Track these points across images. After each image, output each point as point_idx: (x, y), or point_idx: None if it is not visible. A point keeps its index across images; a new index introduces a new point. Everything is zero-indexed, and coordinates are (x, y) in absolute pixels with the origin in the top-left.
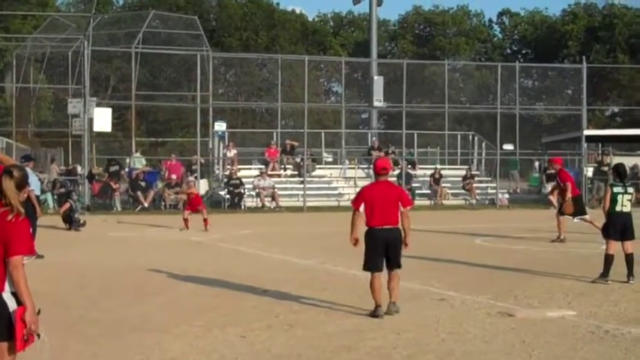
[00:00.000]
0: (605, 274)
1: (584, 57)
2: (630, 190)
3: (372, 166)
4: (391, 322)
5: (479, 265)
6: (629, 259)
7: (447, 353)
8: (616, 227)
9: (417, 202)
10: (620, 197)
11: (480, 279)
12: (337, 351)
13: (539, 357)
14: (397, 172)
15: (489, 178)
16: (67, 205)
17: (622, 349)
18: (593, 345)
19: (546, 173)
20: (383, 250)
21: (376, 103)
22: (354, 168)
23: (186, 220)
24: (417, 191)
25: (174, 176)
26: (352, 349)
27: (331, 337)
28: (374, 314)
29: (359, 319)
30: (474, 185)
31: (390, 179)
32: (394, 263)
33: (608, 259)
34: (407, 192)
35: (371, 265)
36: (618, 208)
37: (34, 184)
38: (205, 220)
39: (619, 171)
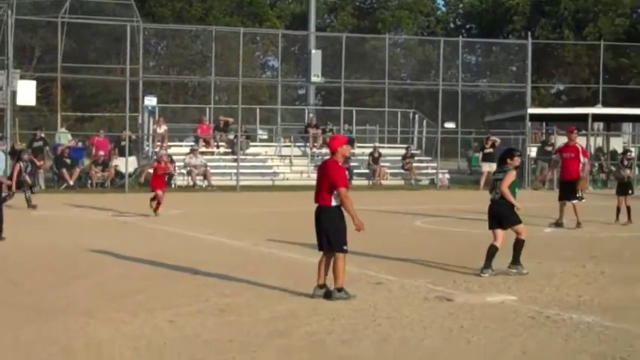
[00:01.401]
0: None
1: (529, 32)
2: (500, 176)
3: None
4: (326, 307)
5: (418, 248)
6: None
7: (384, 339)
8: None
9: (355, 182)
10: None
11: (419, 262)
12: (270, 336)
13: (477, 343)
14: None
15: (430, 158)
16: (17, 168)
17: (563, 335)
18: (534, 331)
19: (483, 152)
20: (318, 229)
21: (314, 79)
22: (289, 146)
23: (158, 203)
24: (355, 170)
25: (101, 153)
26: (285, 335)
27: (264, 322)
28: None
29: (293, 303)
30: (414, 165)
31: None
32: (328, 244)
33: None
34: (344, 173)
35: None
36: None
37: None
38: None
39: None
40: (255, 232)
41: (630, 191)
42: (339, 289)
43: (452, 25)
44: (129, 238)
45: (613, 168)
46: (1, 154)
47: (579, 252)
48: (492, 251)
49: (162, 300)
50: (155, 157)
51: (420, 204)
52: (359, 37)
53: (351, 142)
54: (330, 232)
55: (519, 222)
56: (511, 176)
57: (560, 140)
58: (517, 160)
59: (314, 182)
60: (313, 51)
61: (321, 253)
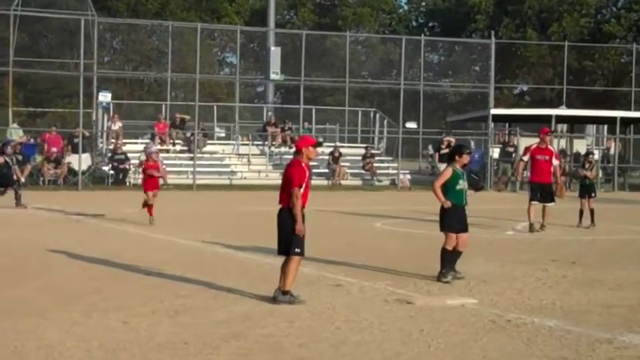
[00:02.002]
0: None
1: (492, 32)
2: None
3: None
4: (283, 309)
5: (378, 250)
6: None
7: (342, 342)
8: None
9: (314, 182)
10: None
11: (379, 264)
12: (226, 339)
13: (437, 347)
14: (293, 149)
15: (390, 158)
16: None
17: (524, 340)
18: (494, 335)
19: (440, 153)
20: (278, 231)
21: (273, 76)
22: (248, 144)
23: (150, 206)
24: (315, 170)
25: (54, 149)
26: (241, 337)
27: (219, 324)
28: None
29: (250, 305)
30: (375, 165)
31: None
32: (283, 247)
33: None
34: (303, 173)
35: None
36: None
37: None
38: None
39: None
40: (211, 231)
41: (593, 194)
42: (285, 292)
43: (414, 24)
44: (82, 237)
45: (578, 169)
46: None
47: (541, 255)
48: (448, 255)
49: (116, 301)
50: (144, 154)
51: (381, 205)
52: (319, 35)
53: (318, 144)
54: (287, 234)
55: (449, 230)
56: (445, 174)
57: (524, 142)
58: (465, 158)
59: (272, 182)
60: (272, 48)
61: (283, 257)
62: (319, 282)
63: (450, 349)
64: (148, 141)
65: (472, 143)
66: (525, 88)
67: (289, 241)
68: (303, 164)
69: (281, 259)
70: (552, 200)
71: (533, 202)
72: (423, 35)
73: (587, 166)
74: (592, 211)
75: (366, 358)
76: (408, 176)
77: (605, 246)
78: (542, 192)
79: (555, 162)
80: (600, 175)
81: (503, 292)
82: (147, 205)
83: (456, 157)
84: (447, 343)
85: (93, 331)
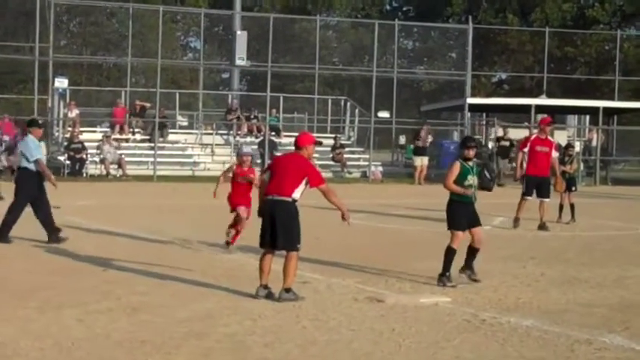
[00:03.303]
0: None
1: (470, 17)
2: None
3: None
4: (247, 306)
5: (348, 246)
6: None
7: (309, 342)
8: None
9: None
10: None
11: (349, 261)
12: (186, 337)
13: (409, 347)
14: (259, 139)
15: (362, 149)
16: None
17: (499, 340)
18: (468, 335)
19: (416, 145)
20: (271, 224)
21: (238, 62)
22: (211, 134)
23: (237, 231)
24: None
25: (6, 138)
26: (203, 336)
27: (180, 322)
28: (254, 294)
29: (212, 302)
30: (345, 156)
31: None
32: (282, 242)
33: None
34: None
35: (260, 240)
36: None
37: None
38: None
39: None
40: (172, 225)
41: (573, 188)
42: (288, 290)
43: (388, 7)
44: (37, 231)
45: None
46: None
47: (519, 252)
48: (452, 255)
49: (71, 297)
50: (236, 156)
51: (351, 198)
52: (288, 19)
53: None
54: (288, 228)
55: (455, 227)
56: (454, 169)
57: (502, 132)
58: (467, 152)
59: None
60: (238, 32)
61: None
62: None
63: (422, 350)
64: (106, 129)
65: (455, 134)
66: (504, 76)
67: (290, 236)
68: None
69: (249, 256)
70: (549, 196)
71: (526, 198)
72: (396, 20)
73: (566, 159)
74: (572, 206)
75: (334, 358)
76: (380, 168)
77: (585, 242)
78: (540, 187)
79: (555, 154)
80: (581, 168)
81: (478, 291)
82: (235, 226)
83: (463, 151)
84: (419, 343)
85: (47, 328)
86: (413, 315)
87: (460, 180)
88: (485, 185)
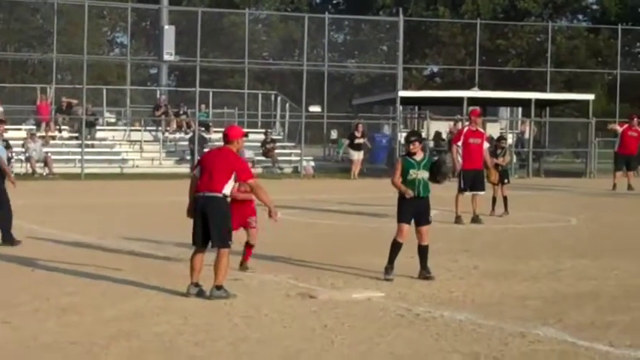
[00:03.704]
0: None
1: (400, 9)
2: None
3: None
4: (177, 305)
5: (279, 242)
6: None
7: (241, 339)
8: None
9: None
10: None
11: (281, 256)
12: (116, 338)
13: (342, 343)
14: (189, 135)
15: (293, 144)
16: None
17: (433, 334)
18: (402, 329)
19: (353, 142)
20: (202, 220)
21: (166, 57)
22: (140, 130)
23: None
24: None
25: None
26: (133, 336)
27: (109, 322)
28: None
29: (141, 301)
30: (276, 151)
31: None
32: (214, 239)
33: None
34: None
35: (192, 238)
36: None
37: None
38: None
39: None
40: (101, 224)
41: (506, 180)
42: (219, 287)
43: (317, 0)
44: None
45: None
46: None
47: (452, 245)
48: (396, 248)
49: None
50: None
51: (283, 194)
52: (216, 12)
53: (206, 126)
54: (220, 225)
55: (399, 220)
56: (397, 165)
57: (435, 126)
58: (412, 147)
59: (166, 170)
60: (166, 27)
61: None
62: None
63: (355, 346)
64: (32, 127)
65: (386, 127)
66: (436, 68)
67: (222, 233)
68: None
69: (181, 253)
70: (483, 189)
71: (464, 193)
72: (327, 13)
73: (499, 151)
74: (505, 199)
75: (266, 355)
76: (312, 163)
77: (518, 235)
78: (474, 180)
79: (486, 145)
80: (514, 160)
81: (411, 285)
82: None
83: (409, 146)
84: (352, 339)
85: None
86: (345, 311)
87: (404, 176)
88: (434, 178)
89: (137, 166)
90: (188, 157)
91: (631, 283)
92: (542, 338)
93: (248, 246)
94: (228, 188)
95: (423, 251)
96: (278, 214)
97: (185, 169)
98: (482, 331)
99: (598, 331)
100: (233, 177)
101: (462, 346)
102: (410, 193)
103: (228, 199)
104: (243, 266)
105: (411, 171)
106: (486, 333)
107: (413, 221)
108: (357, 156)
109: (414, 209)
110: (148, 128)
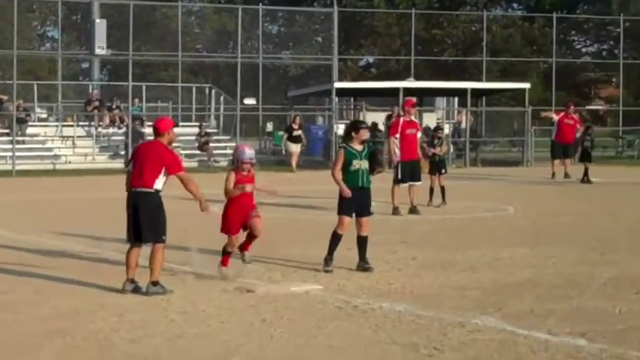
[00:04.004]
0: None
1: (335, 0)
2: None
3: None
4: (113, 302)
5: (215, 236)
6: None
7: (178, 335)
8: None
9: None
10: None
11: (217, 251)
12: (50, 336)
13: (281, 336)
14: (123, 129)
15: (228, 137)
16: None
17: (372, 326)
18: (341, 322)
19: (291, 135)
20: (134, 217)
21: (98, 51)
22: (72, 126)
23: (243, 251)
24: None
25: None
26: (67, 334)
27: (43, 320)
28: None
29: (76, 299)
30: (211, 145)
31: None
32: (147, 234)
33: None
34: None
35: (126, 234)
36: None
37: None
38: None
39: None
40: (33, 221)
41: (443, 170)
42: (155, 283)
43: None
44: None
45: (425, 145)
46: None
47: (390, 236)
48: (336, 240)
49: None
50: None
51: (218, 188)
52: (148, 5)
53: (140, 120)
54: (152, 220)
55: (341, 212)
56: (339, 156)
57: (371, 117)
58: (363, 134)
59: (100, 165)
60: (97, 20)
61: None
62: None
63: (294, 339)
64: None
65: (320, 120)
66: (371, 59)
67: (159, 227)
68: (169, 148)
69: (116, 249)
70: (420, 179)
71: (401, 185)
72: (260, 4)
73: (436, 141)
74: (443, 189)
75: (204, 351)
76: None
77: (456, 225)
78: (412, 171)
79: (419, 135)
80: (451, 150)
81: (350, 277)
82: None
83: (353, 134)
84: (291, 332)
85: None
86: (284, 304)
87: (347, 166)
88: (374, 167)
89: (70, 162)
90: (122, 152)
91: (569, 272)
92: (482, 328)
93: (251, 238)
94: (160, 183)
95: (362, 242)
96: (210, 208)
97: (119, 164)
98: (422, 321)
99: (537, 319)
100: (164, 171)
101: (401, 338)
102: (348, 194)
103: (161, 194)
104: (243, 258)
105: (354, 162)
106: (425, 324)
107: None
108: (296, 148)
109: (356, 201)
110: (80, 123)
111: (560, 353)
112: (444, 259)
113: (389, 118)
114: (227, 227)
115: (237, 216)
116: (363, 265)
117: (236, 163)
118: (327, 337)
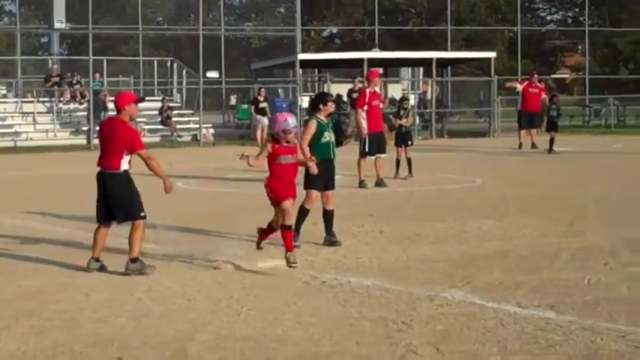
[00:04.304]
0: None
1: None
2: None
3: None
4: (78, 281)
5: (181, 212)
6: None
7: (144, 314)
8: None
9: None
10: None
11: (182, 228)
12: (16, 317)
13: (248, 314)
14: (84, 105)
15: (191, 111)
16: None
17: (340, 301)
18: (309, 297)
19: (257, 107)
20: (104, 197)
21: (57, 25)
22: (32, 102)
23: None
24: None
25: None
26: (33, 314)
27: (8, 301)
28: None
29: (41, 279)
30: (174, 119)
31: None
32: (120, 215)
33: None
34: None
35: (96, 214)
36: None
37: None
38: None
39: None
40: None
41: (410, 142)
42: (134, 260)
43: None
44: None
45: (391, 117)
46: None
47: (356, 210)
48: (304, 215)
49: None
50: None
51: (182, 163)
52: None
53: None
54: (124, 199)
55: (309, 187)
56: (310, 128)
57: (335, 89)
58: (330, 106)
59: (61, 142)
60: None
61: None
62: (117, 250)
63: (262, 316)
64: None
65: (281, 92)
66: (335, 30)
67: (130, 206)
68: (129, 124)
69: (82, 227)
70: (385, 151)
71: (369, 157)
72: None
73: (402, 112)
74: (409, 161)
75: (170, 329)
76: (212, 130)
77: (424, 197)
78: (379, 143)
79: (382, 106)
80: (417, 121)
81: (317, 252)
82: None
83: (320, 107)
84: (259, 309)
85: None
86: (251, 281)
87: (317, 138)
88: (341, 140)
89: (31, 139)
90: (85, 128)
91: (539, 243)
92: (451, 301)
93: (271, 229)
94: (125, 163)
95: (328, 216)
96: (173, 186)
97: (81, 140)
98: (390, 296)
99: (506, 292)
100: (125, 150)
101: (370, 312)
102: (315, 171)
103: (129, 172)
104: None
105: (325, 133)
106: (394, 298)
107: None
108: (266, 121)
109: (323, 174)
110: (40, 99)
111: (529, 326)
112: (412, 232)
113: (351, 92)
114: (278, 194)
115: (283, 186)
116: (331, 240)
117: (278, 132)
118: (296, 314)
